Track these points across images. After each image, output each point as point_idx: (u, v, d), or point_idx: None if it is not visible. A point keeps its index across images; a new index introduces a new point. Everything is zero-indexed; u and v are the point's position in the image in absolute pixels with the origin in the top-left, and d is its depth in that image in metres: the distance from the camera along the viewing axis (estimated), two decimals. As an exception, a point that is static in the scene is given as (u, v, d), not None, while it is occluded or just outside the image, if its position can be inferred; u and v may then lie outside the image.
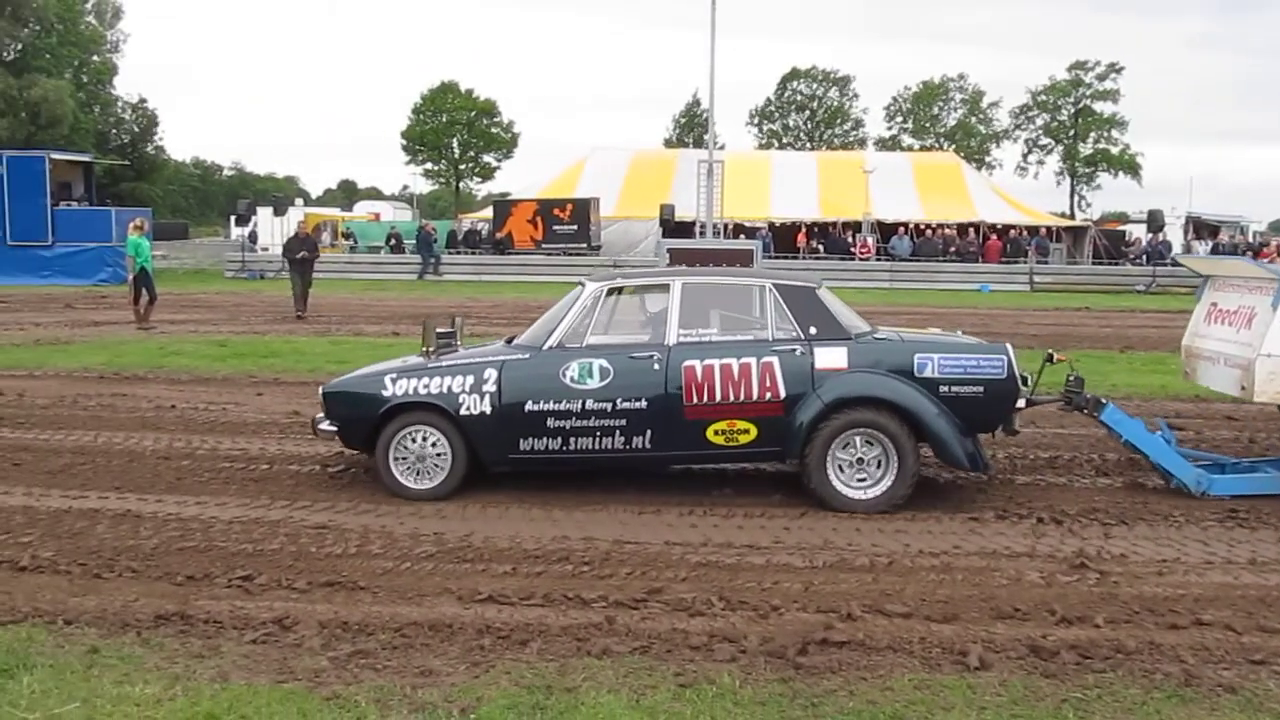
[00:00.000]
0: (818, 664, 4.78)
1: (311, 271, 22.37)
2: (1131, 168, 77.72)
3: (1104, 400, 8.09)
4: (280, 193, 55.75)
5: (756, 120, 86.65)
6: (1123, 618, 5.35)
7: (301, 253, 22.07)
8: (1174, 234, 42.18)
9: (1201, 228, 43.95)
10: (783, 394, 7.36)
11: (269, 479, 8.18)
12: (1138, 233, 42.54)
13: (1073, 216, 65.08)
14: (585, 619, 5.27)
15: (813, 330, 7.53)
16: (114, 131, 68.81)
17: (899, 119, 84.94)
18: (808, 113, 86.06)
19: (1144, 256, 37.60)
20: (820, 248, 38.06)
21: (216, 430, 9.98)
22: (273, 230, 41.61)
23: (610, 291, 7.90)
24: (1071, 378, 8.15)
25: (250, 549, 6.39)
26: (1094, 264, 38.06)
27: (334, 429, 7.87)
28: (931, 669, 4.76)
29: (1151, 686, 4.60)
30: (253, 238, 41.96)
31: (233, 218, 51.14)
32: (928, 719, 4.30)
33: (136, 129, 70.88)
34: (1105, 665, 4.80)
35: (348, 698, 4.43)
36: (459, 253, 39.16)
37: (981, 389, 7.40)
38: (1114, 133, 77.85)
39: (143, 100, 71.20)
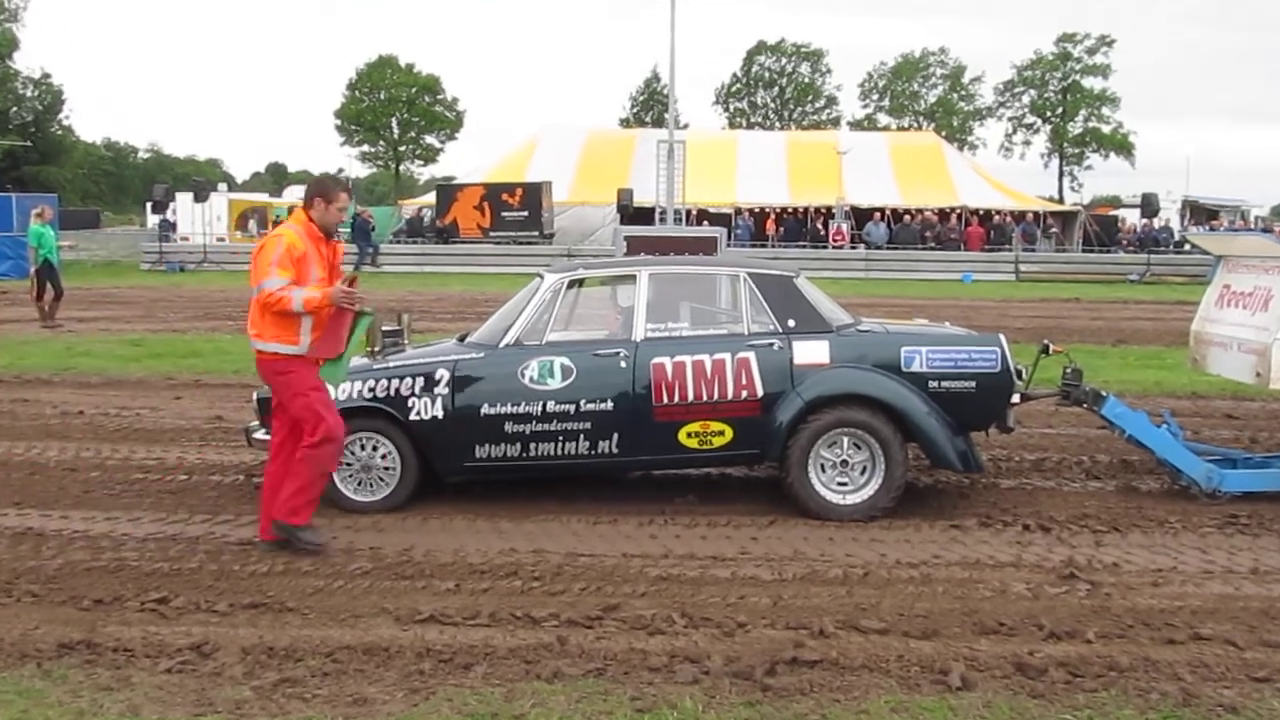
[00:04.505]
0: (787, 685, 4.77)
1: None
2: (1124, 148, 78.74)
3: (1104, 393, 8.15)
4: (201, 177, 55.18)
5: (721, 98, 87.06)
6: (1115, 632, 5.38)
7: None
8: (1170, 219, 42.73)
9: (1199, 212, 44.55)
10: (760, 392, 7.37)
11: (188, 491, 8.08)
12: (1131, 218, 43.04)
13: (1061, 200, 65.78)
14: (535, 639, 5.24)
15: (791, 323, 7.54)
16: (15, 110, 67.85)
17: (875, 96, 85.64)
18: (776, 90, 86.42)
19: (1138, 243, 38.06)
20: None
21: (130, 438, 9.85)
22: (193, 218, 41.16)
23: (571, 284, 7.87)
24: (1069, 370, 8.21)
25: (166, 568, 6.30)
26: (1084, 251, 38.48)
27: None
28: (910, 689, 4.77)
29: (1147, 707, 4.63)
30: (164, 225, 41.41)
31: (149, 204, 50.51)
32: (906, 744, 4.31)
33: (40, 107, 69.99)
34: (1097, 684, 4.82)
35: (273, 730, 4.38)
36: (400, 242, 39.02)
37: (974, 384, 7.44)
38: (1105, 110, 78.96)
39: (46, 75, 70.35)
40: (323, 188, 6.67)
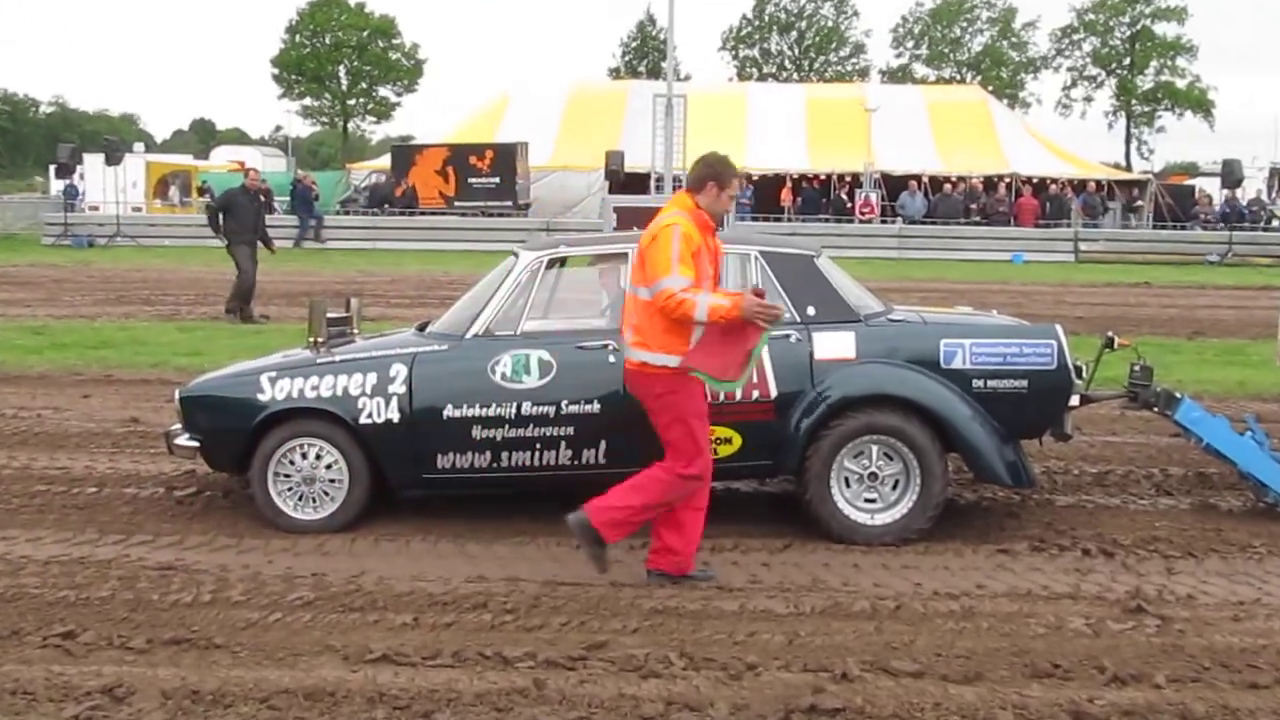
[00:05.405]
0: (805, 738, 4.78)
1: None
2: (1201, 106, 78.80)
3: (1178, 395, 8.18)
4: (114, 135, 54.95)
5: (730, 44, 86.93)
6: (1190, 675, 5.40)
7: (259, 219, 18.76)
8: (1257, 190, 42.77)
9: (1289, 181, 44.50)
10: (773, 392, 7.37)
11: (98, 506, 8.08)
12: (1210, 188, 43.11)
13: (1129, 168, 65.83)
14: (507, 683, 5.24)
15: (811, 311, 7.53)
16: (-107, 56, 67.74)
17: (910, 43, 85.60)
18: (794, 35, 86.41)
19: (1218, 218, 38.10)
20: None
21: (29, 443, 9.86)
22: (104, 183, 41.08)
23: (551, 263, 7.87)
24: (1137, 368, 8.24)
25: (73, 597, 6.30)
26: (1155, 228, 38.53)
27: (195, 444, 7.79)
28: (949, 743, 4.79)
29: (1225, 761, 4.65)
30: (70, 192, 41.26)
31: (52, 168, 50.46)
32: (944, 806, 4.33)
33: (-77, 52, 69.74)
34: (1167, 735, 4.84)
35: (198, 789, 4.39)
36: (349, 212, 39.00)
37: (1025, 383, 7.47)
38: (1179, 61, 78.92)
39: (-69, 16, 70.08)
40: (716, 171, 6.57)
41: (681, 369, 6.30)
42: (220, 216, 18.53)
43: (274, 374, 7.66)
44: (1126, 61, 79.53)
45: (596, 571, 6.48)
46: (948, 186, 38.44)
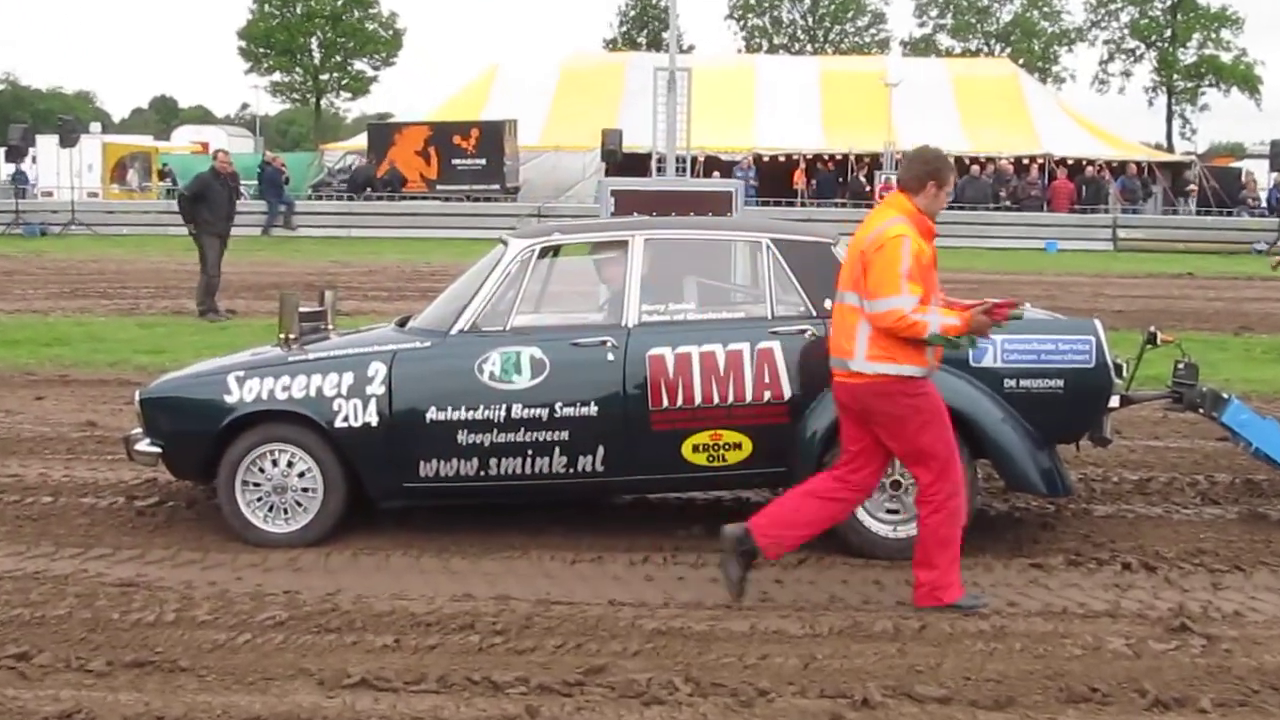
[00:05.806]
0: (821, 769, 4.79)
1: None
2: (1248, 82, 78.64)
3: (1226, 395, 8.19)
4: (69, 115, 55.01)
5: (737, 13, 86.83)
6: (1237, 699, 5.40)
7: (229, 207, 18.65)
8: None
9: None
10: (787, 393, 7.37)
11: (53, 517, 8.09)
12: (1258, 171, 43.07)
13: (1171, 148, 65.80)
14: (497, 710, 5.25)
15: (828, 304, 7.52)
16: None
17: (934, 13, 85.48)
18: (808, 2, 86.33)
19: (1267, 204, 38.06)
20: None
21: (-23, 449, 9.86)
22: (58, 167, 41.09)
23: (544, 252, 7.89)
24: (1181, 366, 8.24)
25: (26, 616, 6.30)
26: (1199, 214, 38.50)
27: (157, 450, 7.79)
28: (978, 774, 4.80)
29: (1277, 794, 4.66)
30: (20, 177, 41.25)
31: (2, 150, 50.47)
32: (972, 843, 4.34)
33: None
34: (1215, 765, 4.85)
35: (163, 825, 4.40)
36: (322, 197, 38.94)
37: (1061, 382, 7.46)
38: (1224, 34, 78.74)
39: None
40: (936, 169, 6.58)
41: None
42: (191, 203, 18.19)
43: (242, 374, 7.66)
44: (1168, 33, 79.35)
45: (984, 607, 6.48)
46: (975, 168, 38.39)
